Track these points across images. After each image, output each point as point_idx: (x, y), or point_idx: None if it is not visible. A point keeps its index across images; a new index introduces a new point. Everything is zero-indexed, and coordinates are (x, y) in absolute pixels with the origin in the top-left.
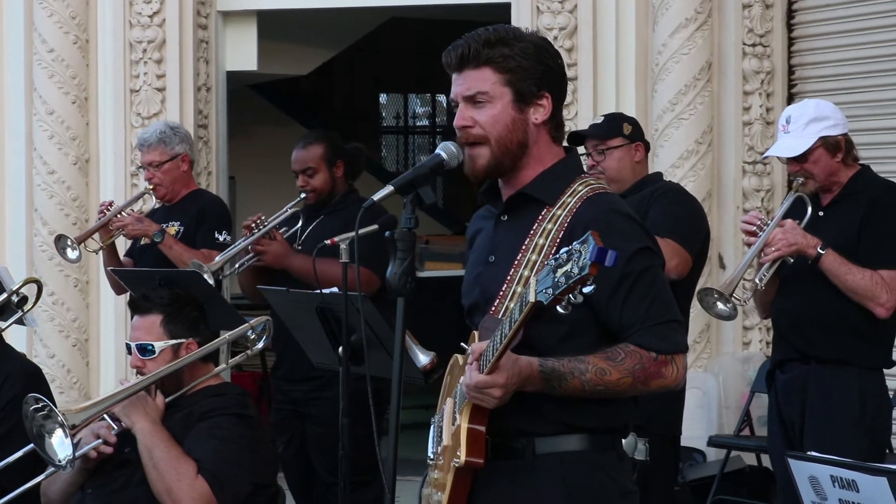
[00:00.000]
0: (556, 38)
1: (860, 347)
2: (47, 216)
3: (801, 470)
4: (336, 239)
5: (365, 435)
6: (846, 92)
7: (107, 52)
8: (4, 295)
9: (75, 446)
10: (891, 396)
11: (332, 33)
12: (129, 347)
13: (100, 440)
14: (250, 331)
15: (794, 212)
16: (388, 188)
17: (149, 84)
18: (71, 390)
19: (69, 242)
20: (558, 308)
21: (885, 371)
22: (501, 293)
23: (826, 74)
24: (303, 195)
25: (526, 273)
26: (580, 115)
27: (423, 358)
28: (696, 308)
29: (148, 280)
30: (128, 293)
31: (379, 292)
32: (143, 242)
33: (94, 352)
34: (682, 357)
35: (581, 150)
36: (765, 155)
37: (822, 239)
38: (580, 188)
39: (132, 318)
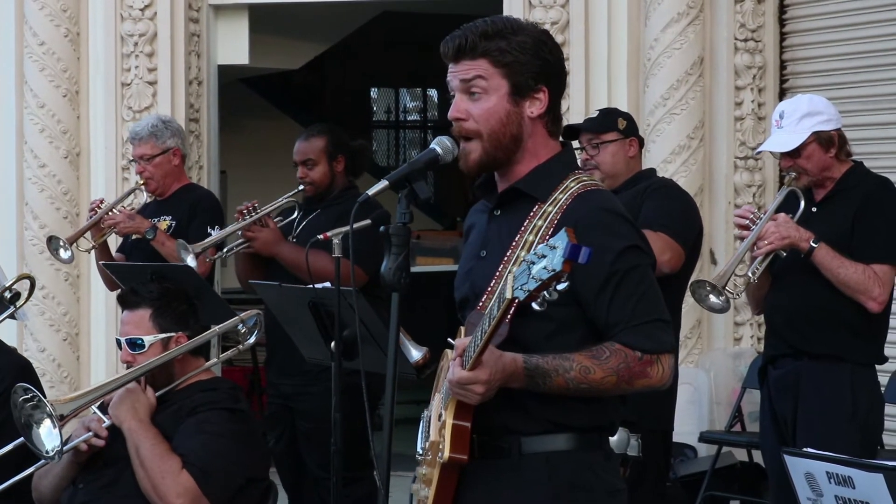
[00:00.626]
0: None
1: (853, 343)
2: (38, 210)
3: (797, 466)
4: (329, 234)
5: (356, 430)
6: (838, 87)
7: (98, 45)
8: None
9: (65, 438)
10: (882, 392)
11: (323, 27)
12: (119, 342)
13: (90, 433)
14: (241, 325)
15: (787, 206)
16: (383, 183)
17: (140, 78)
18: (61, 384)
19: (61, 243)
20: (534, 305)
21: (878, 367)
22: (490, 289)
23: (818, 69)
24: (301, 186)
25: (515, 269)
26: (572, 109)
27: (415, 353)
28: (687, 303)
29: (139, 275)
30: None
31: (368, 287)
32: (134, 238)
33: (85, 346)
34: (669, 357)
35: (575, 143)
36: (758, 150)
37: (815, 234)
38: (572, 185)
39: (122, 312)
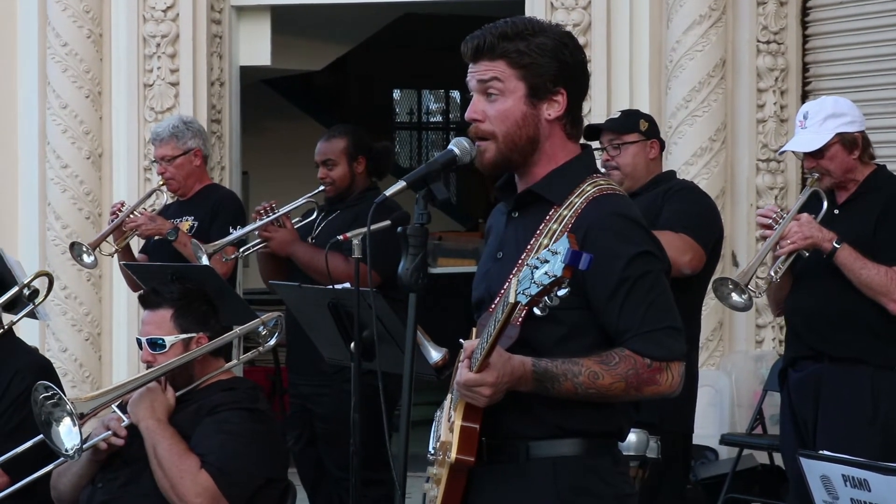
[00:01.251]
0: None
1: (874, 345)
2: (60, 210)
3: (813, 469)
4: (349, 234)
5: (376, 431)
6: (860, 90)
7: (120, 46)
8: (16, 288)
9: (84, 437)
10: None
11: (345, 29)
12: (139, 342)
13: (109, 432)
14: (262, 327)
15: (809, 207)
16: (400, 184)
17: (162, 79)
18: (83, 384)
19: (84, 249)
20: (535, 310)
21: None
22: (503, 291)
23: (840, 72)
24: (321, 187)
25: None
26: (594, 111)
27: (434, 354)
28: (707, 307)
29: (159, 275)
30: None
31: (386, 288)
32: (156, 238)
33: (107, 346)
34: (679, 364)
35: (596, 144)
36: (781, 150)
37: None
38: (589, 188)
39: (143, 312)
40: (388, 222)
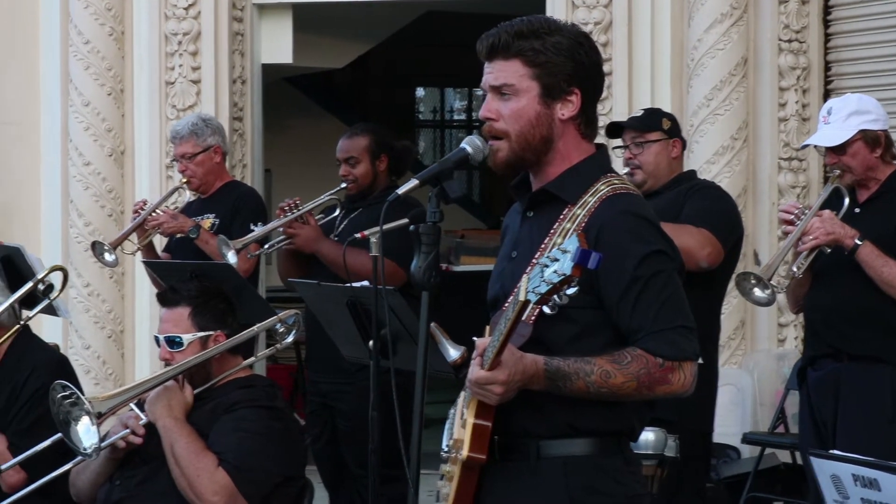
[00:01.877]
0: (591, 32)
1: (893, 343)
2: (83, 208)
3: (824, 468)
4: (366, 232)
5: (395, 429)
6: (883, 88)
7: (142, 44)
8: (30, 283)
9: (102, 436)
10: None
11: (367, 27)
12: (157, 340)
13: (128, 430)
14: (279, 324)
15: (831, 204)
16: (413, 182)
17: (184, 76)
18: (106, 381)
19: (105, 248)
20: (545, 308)
21: None
22: (516, 290)
23: (862, 70)
24: (343, 184)
25: None
26: (615, 110)
27: (453, 352)
28: (730, 305)
29: (180, 272)
30: None
31: (407, 286)
32: (178, 236)
33: (130, 343)
34: (691, 364)
35: (618, 141)
36: (803, 144)
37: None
38: (602, 187)
39: (161, 310)
40: (405, 220)
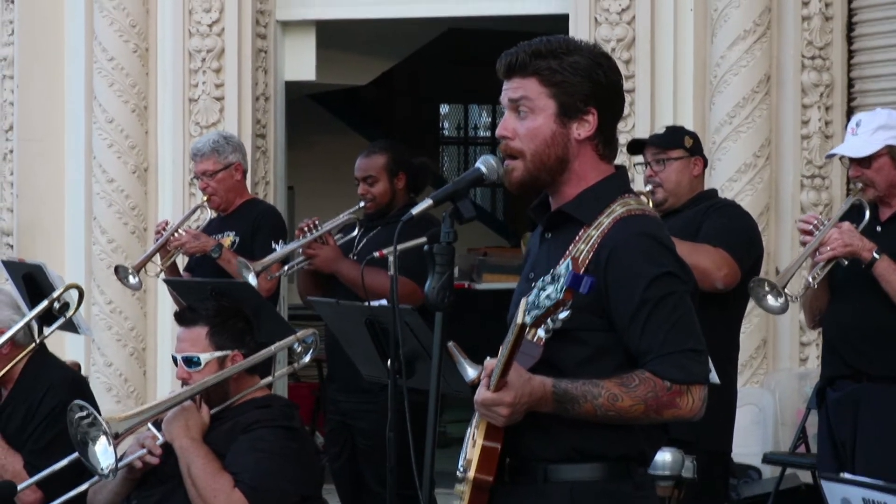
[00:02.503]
0: (613, 49)
1: None
2: (106, 225)
3: (834, 492)
4: (385, 251)
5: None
6: None
7: (166, 60)
8: (45, 302)
9: (119, 456)
10: None
11: (391, 44)
12: (175, 359)
13: (144, 450)
14: (297, 343)
15: (851, 218)
16: (427, 202)
17: (207, 93)
18: (128, 399)
19: (129, 271)
20: (540, 331)
21: None
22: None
23: (886, 88)
24: (362, 203)
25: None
26: (637, 127)
27: (471, 372)
28: (751, 324)
29: (199, 291)
30: None
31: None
32: (199, 255)
33: (152, 360)
34: (700, 388)
35: (639, 158)
36: (829, 153)
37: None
38: (618, 208)
39: (179, 329)
40: (423, 239)
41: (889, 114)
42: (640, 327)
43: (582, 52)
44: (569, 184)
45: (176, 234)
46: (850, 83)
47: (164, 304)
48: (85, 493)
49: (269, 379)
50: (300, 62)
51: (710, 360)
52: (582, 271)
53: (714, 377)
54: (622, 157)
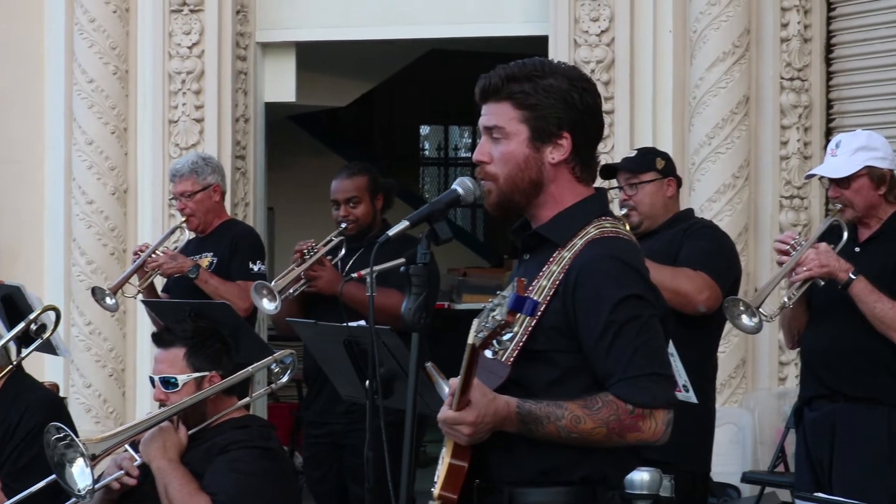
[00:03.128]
0: (593, 71)
1: (890, 384)
2: (85, 246)
3: None
4: (363, 272)
5: (394, 468)
6: (884, 126)
7: (146, 82)
8: (22, 324)
9: (97, 477)
10: None
11: (371, 65)
12: (152, 380)
13: (122, 471)
14: (275, 364)
15: (830, 237)
16: (404, 223)
17: (187, 115)
18: (107, 420)
19: (106, 292)
20: (487, 353)
21: None
22: None
23: (864, 109)
24: (343, 225)
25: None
26: (616, 148)
27: (448, 391)
28: (731, 344)
29: (177, 311)
30: None
31: None
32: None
33: (131, 381)
34: (663, 412)
35: (614, 182)
36: (808, 174)
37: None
38: (592, 230)
39: (156, 351)
40: (402, 260)
41: (869, 135)
42: (605, 350)
43: (558, 74)
44: (545, 206)
45: (153, 255)
46: (829, 104)
47: (144, 325)
48: None
49: (246, 400)
50: (280, 84)
51: (688, 380)
52: (552, 292)
53: (692, 397)
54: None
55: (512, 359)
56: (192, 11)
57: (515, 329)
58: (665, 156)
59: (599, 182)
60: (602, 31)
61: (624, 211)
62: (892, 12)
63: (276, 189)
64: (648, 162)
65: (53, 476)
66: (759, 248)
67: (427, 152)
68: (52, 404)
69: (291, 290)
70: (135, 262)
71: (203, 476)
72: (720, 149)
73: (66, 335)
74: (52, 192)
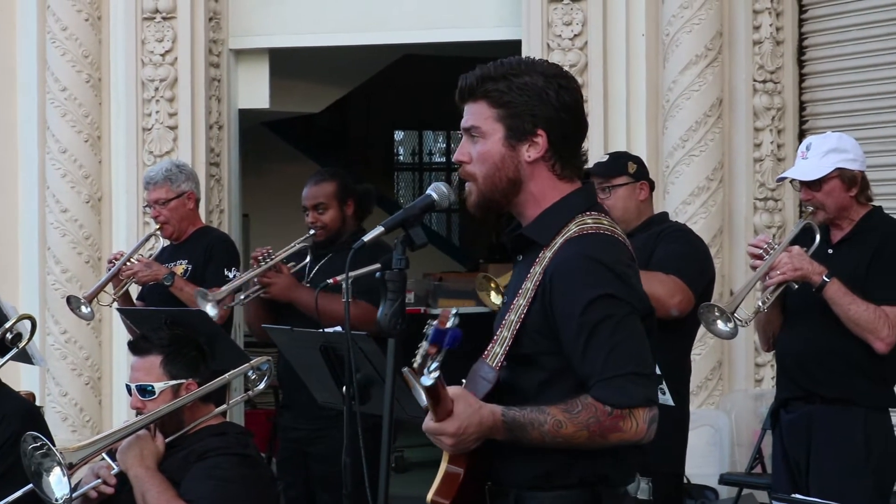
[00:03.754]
0: None
1: (865, 386)
2: (60, 254)
3: None
4: (338, 278)
5: (372, 474)
6: (857, 128)
7: (119, 90)
8: None
9: (74, 486)
10: None
11: (345, 71)
12: (129, 388)
13: (99, 480)
14: (252, 371)
15: (802, 241)
16: (379, 229)
17: (161, 122)
18: (84, 428)
19: (81, 301)
20: (423, 379)
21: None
22: (496, 337)
23: (837, 111)
24: (312, 231)
25: (513, 318)
26: (591, 151)
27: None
28: (707, 346)
29: (153, 319)
30: None
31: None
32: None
33: (107, 390)
34: (644, 410)
35: None
36: (779, 177)
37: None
38: (573, 227)
39: (132, 359)
40: (377, 265)
41: (839, 137)
42: (581, 352)
43: (534, 72)
44: (527, 205)
45: (128, 263)
46: (802, 106)
47: (120, 333)
48: None
49: (223, 407)
50: (253, 90)
51: (664, 382)
52: (533, 295)
53: (669, 399)
54: None
55: (500, 364)
56: (164, 19)
57: (504, 334)
58: (637, 160)
59: None
60: (575, 35)
61: None
62: (863, 14)
63: (251, 196)
64: (620, 166)
65: (31, 485)
66: (734, 250)
67: (402, 157)
68: (28, 413)
69: (242, 297)
70: (110, 270)
71: (181, 483)
72: (694, 152)
73: (42, 344)
74: (26, 201)
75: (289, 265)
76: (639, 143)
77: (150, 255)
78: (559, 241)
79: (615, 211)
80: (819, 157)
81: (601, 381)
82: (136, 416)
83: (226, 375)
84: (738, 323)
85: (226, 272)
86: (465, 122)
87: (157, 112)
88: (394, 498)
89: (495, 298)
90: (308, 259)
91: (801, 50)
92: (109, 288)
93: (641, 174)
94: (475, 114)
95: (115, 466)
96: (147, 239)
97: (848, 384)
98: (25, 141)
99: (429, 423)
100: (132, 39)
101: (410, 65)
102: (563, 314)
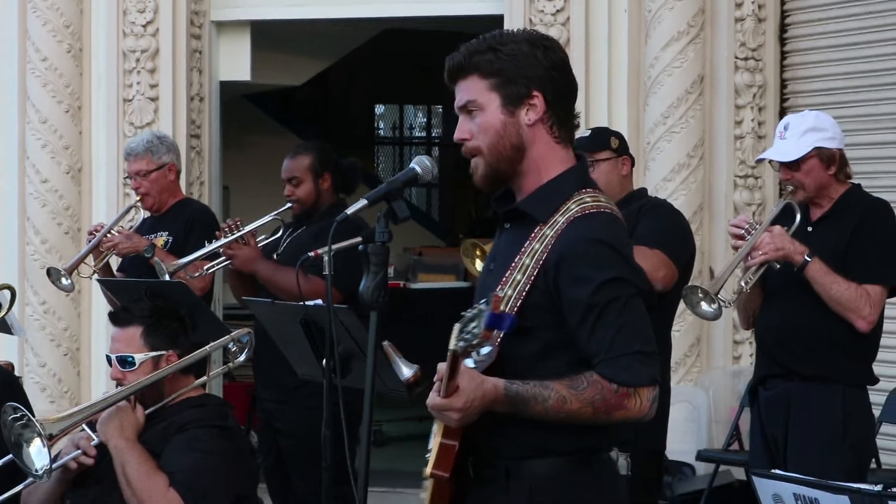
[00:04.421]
0: None
1: (844, 363)
2: (39, 225)
3: (765, 488)
4: (319, 251)
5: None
6: (838, 106)
7: (100, 61)
8: None
9: (54, 456)
10: (879, 413)
11: (326, 44)
12: (109, 359)
13: (79, 451)
14: (233, 343)
15: (783, 220)
16: (362, 202)
17: (142, 94)
18: (62, 399)
19: (61, 273)
20: (468, 361)
21: (875, 386)
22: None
23: (818, 89)
24: (288, 204)
25: (510, 292)
26: None
27: (406, 371)
28: (686, 322)
29: (133, 291)
30: None
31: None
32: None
33: (86, 361)
34: (648, 389)
35: None
36: (759, 157)
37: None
38: (573, 206)
39: (112, 329)
40: (358, 239)
41: (817, 115)
42: (588, 332)
43: (517, 40)
44: (528, 175)
45: (109, 235)
46: (784, 84)
47: (99, 304)
48: (19, 494)
49: (203, 379)
50: (235, 62)
51: None
52: (536, 272)
53: None
54: None
55: (498, 340)
56: None
57: (503, 308)
58: (619, 135)
59: None
60: (557, 11)
61: None
62: None
63: (231, 168)
64: (603, 141)
65: (10, 456)
66: (714, 227)
67: (382, 132)
68: (7, 384)
69: (206, 268)
70: (90, 241)
71: (160, 455)
72: (675, 128)
73: (21, 314)
74: (6, 172)
75: (261, 237)
76: (620, 119)
77: (131, 227)
78: (559, 219)
79: (598, 185)
80: (797, 136)
81: (608, 360)
82: (116, 387)
83: (206, 347)
84: (722, 304)
85: (206, 244)
86: (459, 101)
87: (139, 83)
88: (373, 472)
89: (480, 266)
90: (281, 232)
91: (783, 27)
92: (90, 260)
93: (623, 149)
94: (468, 89)
95: (95, 437)
96: (127, 211)
97: (828, 362)
98: (5, 111)
99: (437, 399)
100: (113, 10)
101: (392, 39)
102: (572, 295)
